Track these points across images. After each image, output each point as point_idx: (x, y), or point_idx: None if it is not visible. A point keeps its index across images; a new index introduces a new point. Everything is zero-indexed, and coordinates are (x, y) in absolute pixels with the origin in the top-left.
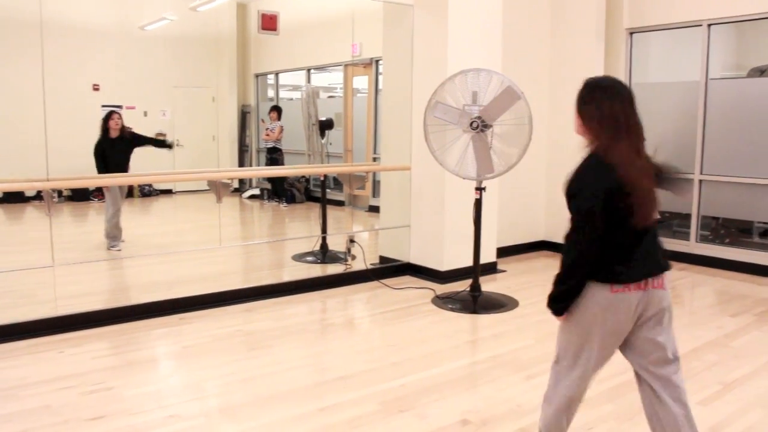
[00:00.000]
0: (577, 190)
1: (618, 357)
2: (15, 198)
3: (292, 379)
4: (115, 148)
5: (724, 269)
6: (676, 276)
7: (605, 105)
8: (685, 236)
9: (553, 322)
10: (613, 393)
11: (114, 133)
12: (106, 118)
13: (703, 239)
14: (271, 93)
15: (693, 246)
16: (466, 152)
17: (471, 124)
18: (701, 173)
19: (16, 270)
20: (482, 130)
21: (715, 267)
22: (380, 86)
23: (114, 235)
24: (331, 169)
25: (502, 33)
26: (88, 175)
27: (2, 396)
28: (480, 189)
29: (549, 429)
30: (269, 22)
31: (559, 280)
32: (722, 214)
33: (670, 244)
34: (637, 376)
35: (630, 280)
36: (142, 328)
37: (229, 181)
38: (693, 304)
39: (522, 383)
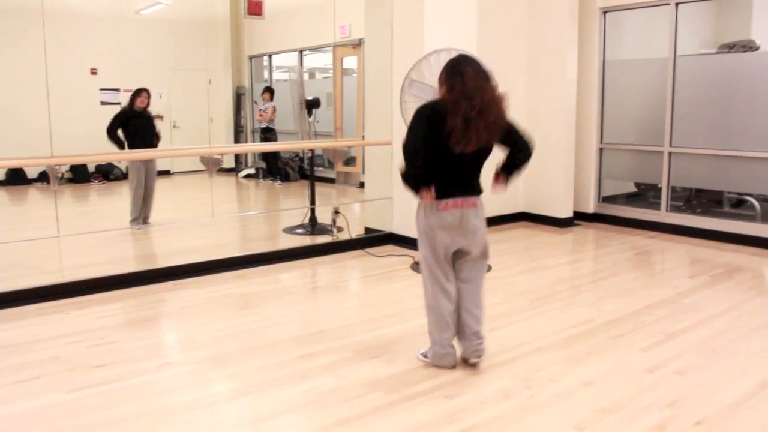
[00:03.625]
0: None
1: (575, 312)
2: (18, 180)
3: (276, 333)
4: (139, 118)
5: (692, 237)
6: (644, 243)
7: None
8: (657, 206)
9: (520, 284)
10: (565, 342)
11: (140, 107)
12: (135, 95)
13: (675, 209)
14: (266, 74)
15: (663, 215)
16: None
17: None
18: (670, 146)
19: (25, 240)
20: None
21: (684, 235)
22: None
23: (135, 214)
24: (315, 144)
25: (481, 15)
26: (91, 153)
27: (16, 350)
28: None
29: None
30: (255, 8)
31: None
32: (691, 185)
33: (643, 214)
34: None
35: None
36: (141, 293)
37: (220, 157)
38: (655, 267)
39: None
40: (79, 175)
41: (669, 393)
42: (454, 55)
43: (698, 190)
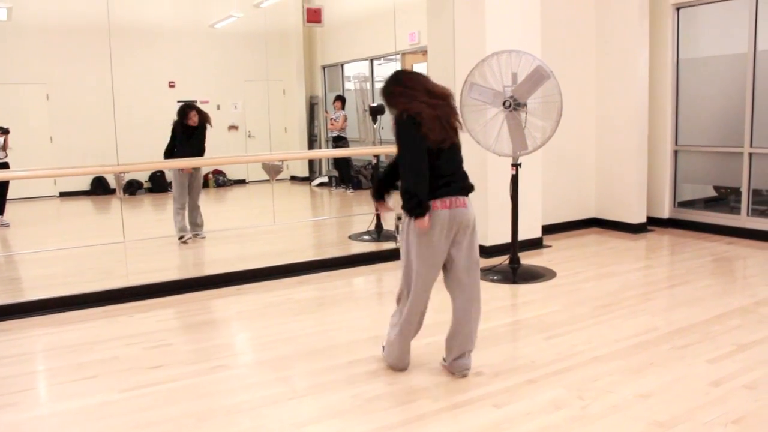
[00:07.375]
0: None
1: (639, 320)
2: (101, 190)
3: (330, 338)
4: (189, 135)
5: None
6: (722, 249)
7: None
8: (738, 211)
9: (585, 291)
10: (625, 352)
11: (192, 123)
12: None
13: (759, 214)
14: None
15: (744, 220)
16: (501, 130)
17: (504, 103)
18: (751, 146)
19: (91, 245)
20: (515, 109)
21: (766, 241)
22: None
23: (181, 227)
24: (375, 149)
25: (545, 13)
26: (153, 161)
27: (78, 349)
28: (516, 165)
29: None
30: (314, 16)
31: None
32: None
33: (721, 219)
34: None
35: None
36: (203, 297)
37: (280, 164)
38: (732, 274)
39: (540, 342)
40: (157, 185)
41: (736, 408)
42: (514, 57)
43: None
